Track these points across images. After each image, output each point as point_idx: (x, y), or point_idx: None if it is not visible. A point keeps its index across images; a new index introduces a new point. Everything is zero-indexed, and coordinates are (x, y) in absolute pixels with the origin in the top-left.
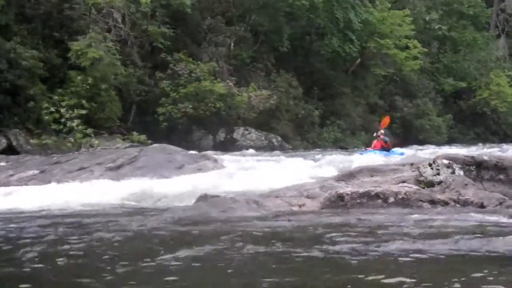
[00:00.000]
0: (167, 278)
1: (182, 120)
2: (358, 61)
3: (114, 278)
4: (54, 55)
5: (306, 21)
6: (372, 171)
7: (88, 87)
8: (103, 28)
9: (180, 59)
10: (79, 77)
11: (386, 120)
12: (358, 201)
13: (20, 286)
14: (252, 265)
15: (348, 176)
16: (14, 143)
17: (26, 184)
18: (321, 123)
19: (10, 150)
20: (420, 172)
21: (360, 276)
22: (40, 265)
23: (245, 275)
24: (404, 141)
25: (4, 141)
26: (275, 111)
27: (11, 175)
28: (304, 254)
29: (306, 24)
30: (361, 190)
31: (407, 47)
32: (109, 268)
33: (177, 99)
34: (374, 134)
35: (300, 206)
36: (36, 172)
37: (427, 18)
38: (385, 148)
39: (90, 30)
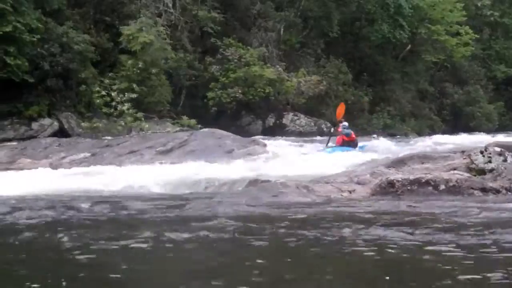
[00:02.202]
0: (219, 260)
1: (231, 105)
2: (408, 47)
3: (158, 260)
4: (105, 39)
5: (356, 6)
6: (423, 158)
7: (138, 71)
8: (153, 12)
9: (230, 44)
10: (129, 61)
11: (340, 109)
12: (409, 188)
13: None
14: (303, 251)
15: (398, 162)
16: (66, 126)
17: (78, 166)
18: (371, 109)
19: (62, 133)
20: (471, 159)
21: (413, 263)
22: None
23: (297, 260)
24: (454, 128)
25: (56, 124)
26: (324, 97)
27: (63, 158)
28: (355, 239)
29: (356, 9)
30: (411, 177)
31: (458, 34)
32: (157, 251)
33: (226, 84)
34: (332, 129)
35: (350, 192)
36: (87, 155)
37: (478, 4)
38: (349, 142)
39: (141, 15)
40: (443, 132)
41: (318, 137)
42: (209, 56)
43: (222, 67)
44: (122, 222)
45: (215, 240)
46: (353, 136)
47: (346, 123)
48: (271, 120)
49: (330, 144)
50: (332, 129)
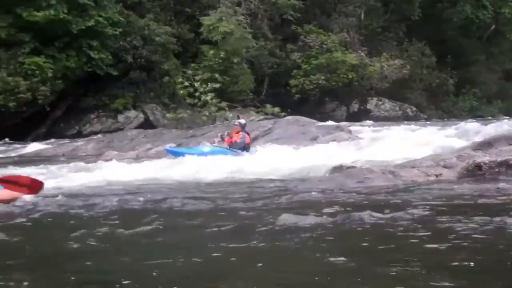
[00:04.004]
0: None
1: (314, 91)
2: (492, 27)
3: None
4: (186, 30)
5: None
6: (510, 139)
7: (220, 61)
8: (233, 2)
9: (311, 30)
10: (211, 51)
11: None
12: (496, 170)
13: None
14: (394, 234)
15: (485, 145)
16: (151, 118)
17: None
18: (456, 92)
19: (147, 124)
20: None
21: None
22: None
23: (389, 245)
24: None
25: (141, 115)
26: (408, 81)
27: (149, 149)
28: (445, 223)
29: None
30: (499, 159)
31: None
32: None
33: (308, 70)
34: (226, 133)
35: (437, 176)
36: (173, 145)
37: None
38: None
39: (221, 5)
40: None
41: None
42: (290, 44)
43: (304, 54)
44: (216, 208)
45: (315, 227)
46: (247, 141)
47: (242, 121)
48: (355, 106)
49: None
50: (226, 133)
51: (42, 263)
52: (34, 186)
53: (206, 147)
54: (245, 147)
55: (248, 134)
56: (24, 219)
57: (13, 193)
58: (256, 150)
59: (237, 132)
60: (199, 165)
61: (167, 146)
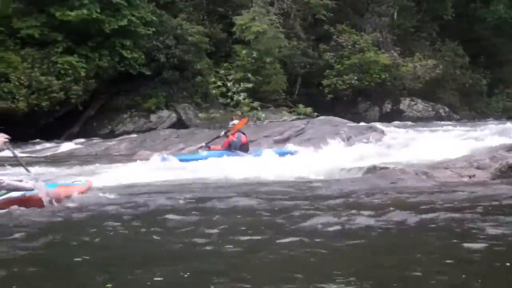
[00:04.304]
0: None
1: (347, 91)
2: None
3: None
4: (219, 30)
5: None
6: None
7: (253, 60)
8: (266, 1)
9: (343, 30)
10: (244, 51)
11: (242, 122)
12: None
13: None
14: (427, 235)
15: None
16: (183, 117)
17: None
18: (489, 92)
19: (180, 124)
20: None
21: None
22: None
23: (420, 246)
24: None
25: (174, 115)
26: (441, 81)
27: (182, 149)
28: (479, 224)
29: None
30: None
31: None
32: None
33: (341, 70)
34: (222, 133)
35: (470, 177)
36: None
37: None
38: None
39: (253, 4)
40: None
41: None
42: (322, 43)
43: (337, 54)
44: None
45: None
46: (243, 142)
47: (236, 122)
48: (387, 106)
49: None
50: (222, 133)
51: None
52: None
53: (204, 152)
54: (243, 147)
55: (244, 134)
56: (75, 217)
57: (68, 190)
58: (262, 151)
59: (233, 134)
60: (231, 165)
61: (164, 154)
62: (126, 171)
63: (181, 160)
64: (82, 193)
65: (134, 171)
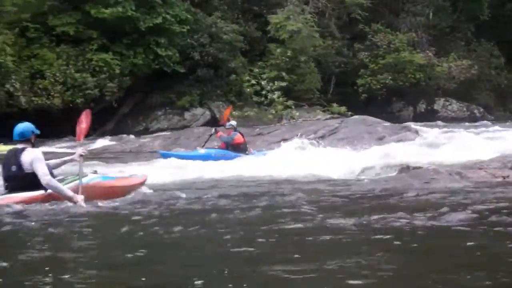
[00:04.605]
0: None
1: (381, 91)
2: None
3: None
4: (254, 29)
5: None
6: None
7: (287, 59)
8: (301, 0)
9: (378, 30)
10: (278, 50)
11: (226, 112)
12: None
13: None
14: (460, 236)
15: None
16: (217, 115)
17: None
18: None
19: (214, 122)
20: None
21: None
22: None
23: (456, 247)
24: None
25: (207, 113)
26: (476, 81)
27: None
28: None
29: None
30: None
31: None
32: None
33: (376, 70)
34: (213, 130)
35: (504, 177)
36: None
37: None
38: (234, 146)
39: (288, 3)
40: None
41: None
42: (357, 43)
43: (371, 53)
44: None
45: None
46: (238, 141)
47: (233, 122)
48: (422, 106)
49: (207, 146)
50: (213, 131)
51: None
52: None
53: (201, 150)
54: (241, 148)
55: (241, 133)
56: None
57: (131, 180)
58: (264, 153)
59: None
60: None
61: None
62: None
63: (178, 157)
64: (138, 186)
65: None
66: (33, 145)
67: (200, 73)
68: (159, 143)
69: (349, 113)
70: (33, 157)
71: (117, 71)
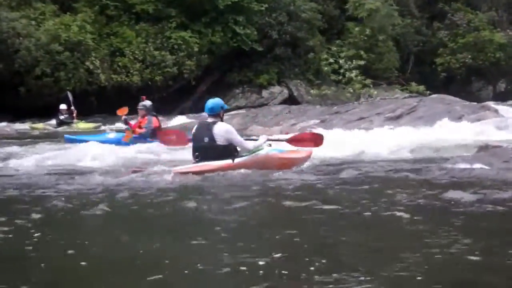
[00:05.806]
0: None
1: (460, 70)
2: None
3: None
4: (332, 7)
5: None
6: None
7: (365, 38)
8: None
9: (458, 8)
10: (356, 28)
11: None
12: None
13: None
14: None
15: None
16: (295, 94)
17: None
18: None
19: (291, 100)
20: None
21: None
22: None
23: None
24: None
25: (285, 91)
26: None
27: (294, 124)
28: None
29: None
30: None
31: None
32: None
33: (455, 49)
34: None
35: None
36: (317, 121)
37: None
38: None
39: None
40: None
41: None
42: (437, 22)
43: (451, 32)
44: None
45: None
46: (156, 124)
47: (147, 102)
48: (502, 86)
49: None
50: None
51: None
52: (317, 139)
53: (112, 134)
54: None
55: (156, 116)
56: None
57: (308, 150)
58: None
59: (143, 116)
60: None
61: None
62: None
63: (73, 141)
64: (306, 159)
65: None
66: (222, 120)
67: (278, 51)
68: (237, 120)
69: (428, 92)
70: (226, 129)
71: (196, 49)
